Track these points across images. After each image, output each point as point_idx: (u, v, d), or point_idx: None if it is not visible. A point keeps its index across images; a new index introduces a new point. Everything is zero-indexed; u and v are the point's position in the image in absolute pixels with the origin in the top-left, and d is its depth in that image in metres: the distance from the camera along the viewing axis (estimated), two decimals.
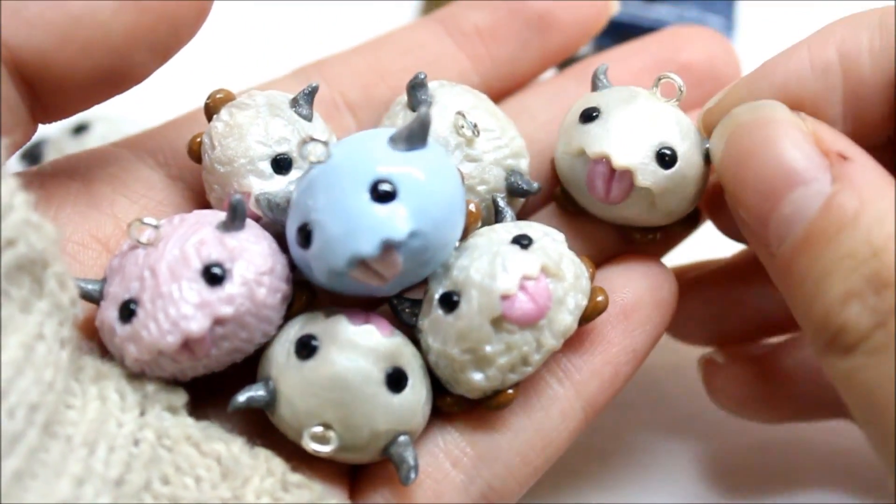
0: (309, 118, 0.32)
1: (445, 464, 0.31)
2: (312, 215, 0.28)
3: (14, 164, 0.46)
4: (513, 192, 0.33)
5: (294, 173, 0.31)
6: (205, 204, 0.33)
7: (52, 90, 0.30)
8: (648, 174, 0.31)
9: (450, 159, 0.31)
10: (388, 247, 0.27)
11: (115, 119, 0.45)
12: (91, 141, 0.44)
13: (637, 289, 0.33)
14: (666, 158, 0.31)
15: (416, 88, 0.33)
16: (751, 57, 0.54)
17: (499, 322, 0.29)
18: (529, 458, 0.31)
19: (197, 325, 0.28)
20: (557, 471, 0.39)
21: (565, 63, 0.45)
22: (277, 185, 0.31)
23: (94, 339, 0.30)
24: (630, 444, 0.40)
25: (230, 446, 0.29)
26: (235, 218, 0.29)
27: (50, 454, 0.26)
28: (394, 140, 0.29)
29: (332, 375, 0.28)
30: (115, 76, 0.31)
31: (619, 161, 0.31)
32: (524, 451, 0.31)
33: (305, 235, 0.28)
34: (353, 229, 0.27)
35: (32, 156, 0.46)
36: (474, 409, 0.31)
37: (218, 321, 0.28)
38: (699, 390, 0.41)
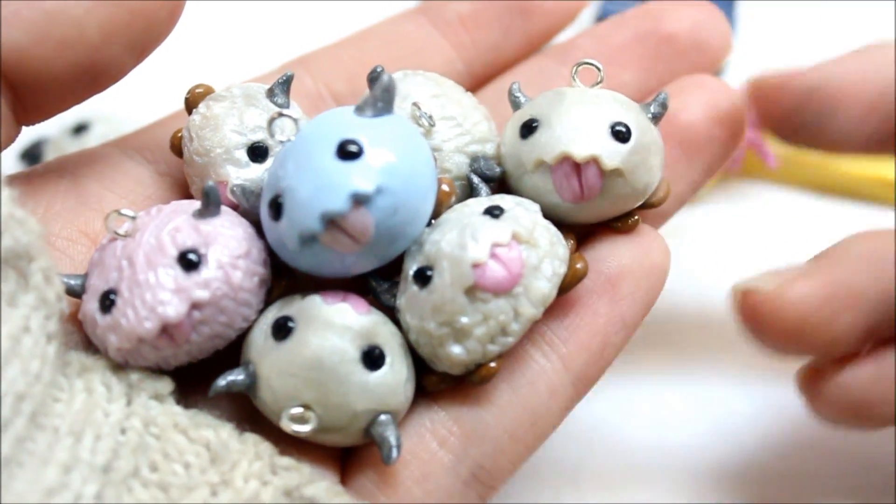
0: (285, 107, 0.33)
1: (432, 443, 0.30)
2: (282, 183, 0.29)
3: (14, 164, 0.46)
4: (478, 178, 0.33)
5: (270, 161, 0.32)
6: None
7: (31, 89, 0.30)
8: (613, 155, 0.31)
9: (416, 128, 0.30)
10: (357, 201, 0.28)
11: (114, 119, 0.46)
12: (91, 141, 0.45)
13: (623, 256, 0.32)
14: (622, 134, 0.31)
15: (374, 82, 0.33)
16: (751, 57, 0.54)
17: (472, 292, 0.29)
18: (518, 434, 0.31)
19: (174, 310, 0.28)
20: (558, 471, 0.39)
21: None
22: (254, 173, 0.31)
23: (81, 334, 0.30)
24: (630, 444, 0.40)
25: (219, 432, 0.29)
26: (209, 204, 0.30)
27: (37, 444, 0.27)
28: (360, 108, 0.29)
29: (308, 355, 0.28)
30: (92, 73, 0.31)
31: (580, 153, 0.31)
32: (512, 428, 0.31)
33: (277, 208, 0.29)
34: (321, 187, 0.28)
35: (32, 156, 0.46)
36: (459, 387, 0.30)
37: (195, 305, 0.28)
38: (700, 390, 0.41)
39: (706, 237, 0.48)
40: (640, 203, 0.32)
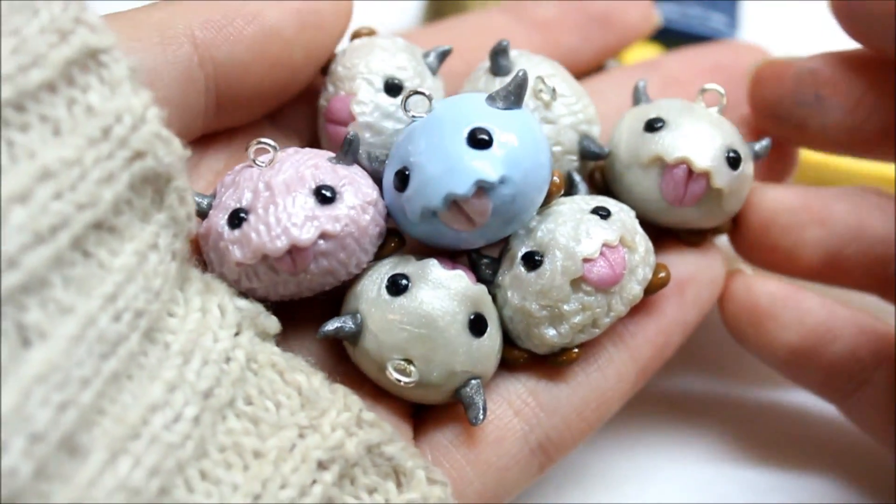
0: (434, 71, 0.35)
1: (508, 412, 0.32)
2: (411, 158, 0.30)
3: None
4: (585, 155, 0.35)
5: (400, 98, 0.33)
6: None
7: (234, 104, 0.33)
8: (723, 176, 0.34)
9: (539, 124, 0.32)
10: (481, 189, 0.29)
11: None
12: None
13: (692, 266, 0.35)
14: (734, 160, 0.34)
15: (498, 54, 0.35)
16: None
17: (577, 283, 0.31)
18: (585, 414, 0.33)
19: (306, 234, 0.29)
20: (560, 468, 0.39)
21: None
22: (381, 101, 0.33)
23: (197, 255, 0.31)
24: (632, 443, 0.41)
25: (311, 379, 0.30)
26: (349, 151, 0.31)
27: (148, 358, 0.27)
28: (492, 98, 0.31)
29: (422, 313, 0.30)
30: (285, 90, 0.34)
31: (700, 164, 0.33)
32: (581, 407, 0.33)
33: (403, 178, 0.30)
34: (450, 170, 0.29)
35: None
36: (537, 363, 0.33)
37: (323, 235, 0.30)
38: (705, 390, 0.42)
39: None
40: (716, 225, 0.36)
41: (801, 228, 0.36)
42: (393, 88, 0.34)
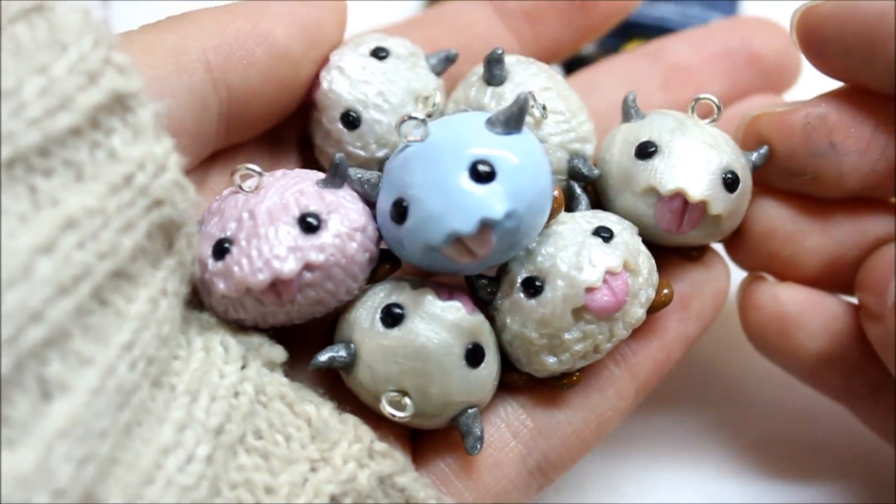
0: (438, 73, 0.35)
1: (506, 434, 0.33)
2: (409, 191, 0.29)
3: None
4: (574, 176, 0.34)
5: (392, 60, 0.34)
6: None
7: (242, 124, 0.33)
8: (720, 202, 0.33)
9: (541, 146, 0.31)
10: (485, 226, 0.29)
11: None
12: None
13: (695, 280, 0.35)
14: (731, 183, 0.33)
15: (492, 63, 0.34)
16: None
17: (579, 312, 0.31)
18: (584, 434, 0.33)
19: (288, 266, 0.29)
20: None
21: (572, 62, 0.47)
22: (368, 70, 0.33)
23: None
24: (631, 443, 0.41)
25: (320, 409, 0.30)
26: (336, 175, 0.31)
27: (155, 402, 0.27)
28: (491, 123, 0.30)
29: (417, 346, 0.30)
30: (289, 106, 0.34)
31: (696, 195, 0.32)
32: (580, 428, 0.33)
33: (401, 211, 0.30)
34: (453, 207, 0.29)
35: None
36: (537, 385, 0.33)
37: (308, 267, 0.29)
38: (703, 391, 0.42)
39: None
40: (715, 241, 0.35)
41: (801, 236, 0.35)
42: (379, 56, 0.34)
